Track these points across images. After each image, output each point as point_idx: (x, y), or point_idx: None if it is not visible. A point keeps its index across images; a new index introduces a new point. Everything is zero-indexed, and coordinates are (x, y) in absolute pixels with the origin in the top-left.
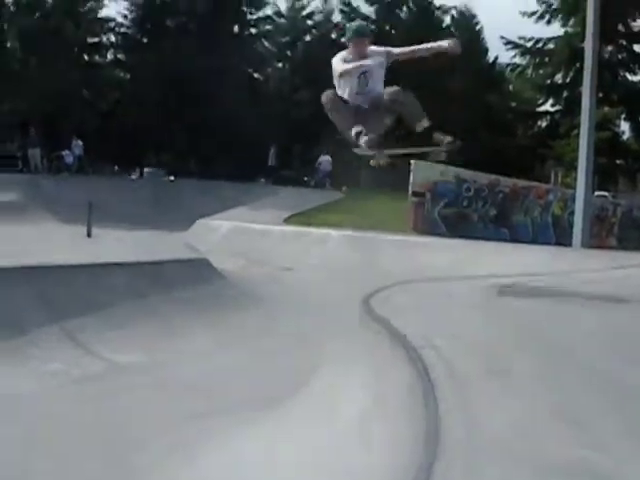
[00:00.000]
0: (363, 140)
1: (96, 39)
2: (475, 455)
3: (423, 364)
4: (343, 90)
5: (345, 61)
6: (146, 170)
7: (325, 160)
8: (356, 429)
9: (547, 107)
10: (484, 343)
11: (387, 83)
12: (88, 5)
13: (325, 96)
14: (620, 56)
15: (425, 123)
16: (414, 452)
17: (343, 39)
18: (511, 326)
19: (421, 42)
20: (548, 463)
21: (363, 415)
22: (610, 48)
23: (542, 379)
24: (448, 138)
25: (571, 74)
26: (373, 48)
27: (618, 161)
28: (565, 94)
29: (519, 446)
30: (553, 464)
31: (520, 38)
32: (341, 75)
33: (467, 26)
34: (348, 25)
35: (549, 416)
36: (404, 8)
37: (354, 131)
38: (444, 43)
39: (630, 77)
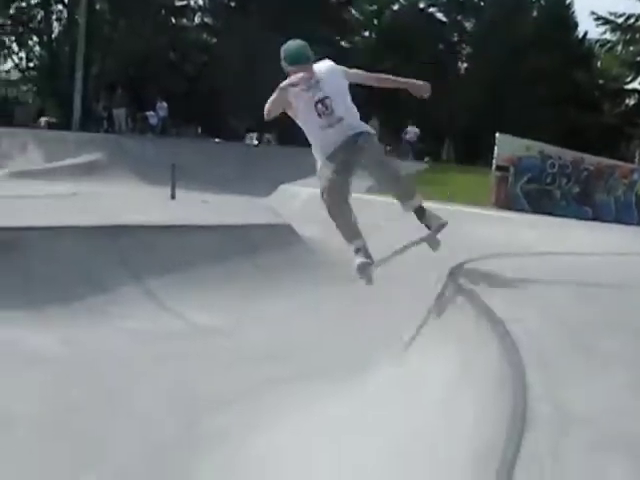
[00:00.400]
0: (357, 261)
1: (184, 2)
2: (562, 430)
3: (510, 338)
4: (309, 132)
5: (279, 95)
6: (230, 134)
7: (412, 131)
8: (442, 401)
9: (635, 85)
10: (569, 320)
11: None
12: None
13: (326, 195)
14: None
15: (417, 202)
16: (501, 426)
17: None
18: (595, 305)
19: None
20: (633, 440)
21: (449, 388)
22: None
23: (624, 357)
24: (442, 220)
25: None
26: (330, 68)
27: None
28: None
29: (604, 422)
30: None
31: (611, 14)
32: (268, 114)
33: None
34: (284, 49)
35: (631, 393)
36: None
37: (354, 246)
38: (415, 83)
39: None
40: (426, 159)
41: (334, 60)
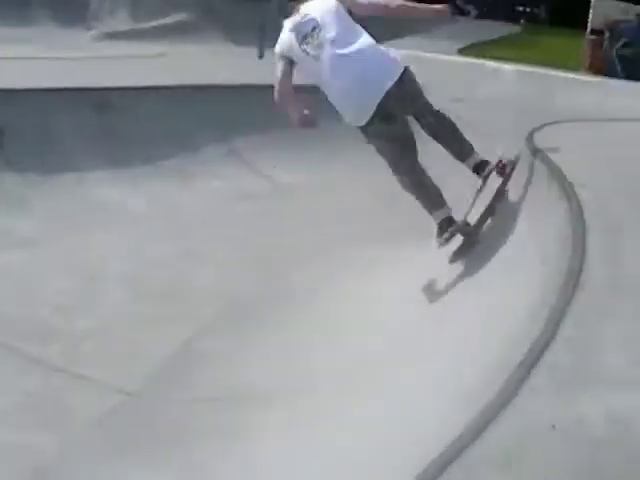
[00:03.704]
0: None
1: None
2: (613, 293)
3: (577, 201)
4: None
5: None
6: None
7: None
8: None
9: None
10: None
11: None
12: None
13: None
14: None
15: (475, 159)
16: (555, 283)
17: None
18: None
19: None
20: None
21: (515, 245)
22: None
23: None
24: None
25: None
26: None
27: None
28: None
29: None
30: None
31: None
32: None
33: None
34: None
35: None
36: None
37: (442, 216)
38: (433, 9)
39: None
40: (522, 22)
41: None
